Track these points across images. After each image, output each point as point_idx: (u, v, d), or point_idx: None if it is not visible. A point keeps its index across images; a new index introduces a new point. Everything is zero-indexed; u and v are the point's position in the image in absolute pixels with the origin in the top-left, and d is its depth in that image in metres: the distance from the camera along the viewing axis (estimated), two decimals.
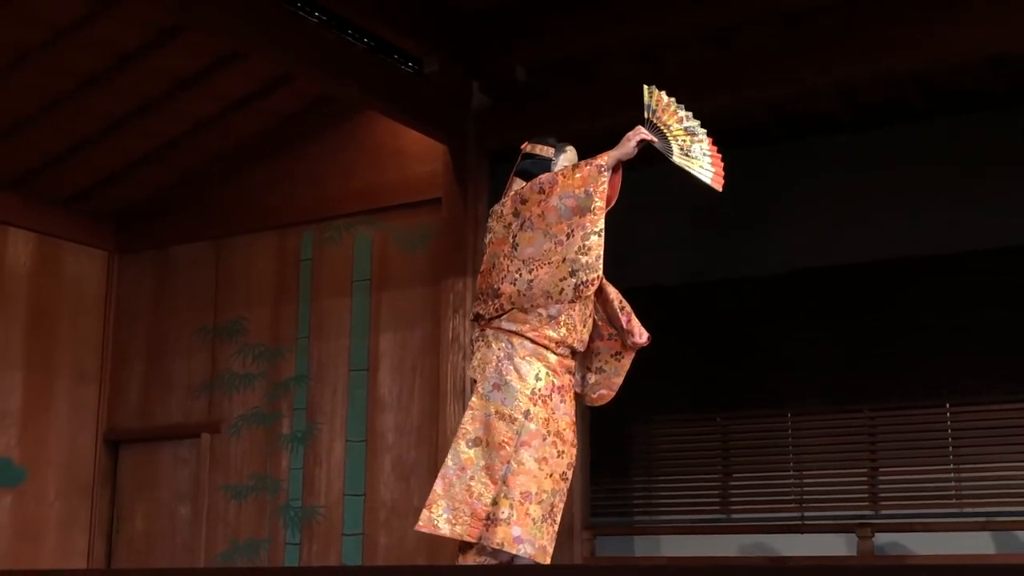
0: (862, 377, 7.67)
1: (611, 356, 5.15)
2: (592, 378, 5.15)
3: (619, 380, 5.18)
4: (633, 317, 5.09)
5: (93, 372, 9.03)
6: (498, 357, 4.87)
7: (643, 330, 5.09)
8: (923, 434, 7.56)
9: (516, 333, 4.87)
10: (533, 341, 4.85)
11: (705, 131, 4.92)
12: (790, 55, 6.81)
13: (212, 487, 8.52)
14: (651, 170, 7.97)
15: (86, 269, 9.09)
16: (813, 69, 6.76)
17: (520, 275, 4.83)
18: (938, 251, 7.41)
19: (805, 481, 7.78)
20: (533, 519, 4.71)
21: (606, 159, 4.84)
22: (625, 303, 5.12)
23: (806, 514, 7.69)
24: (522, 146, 5.17)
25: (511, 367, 4.84)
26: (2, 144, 8.12)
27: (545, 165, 5.02)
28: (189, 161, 8.74)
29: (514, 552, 4.70)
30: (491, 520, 4.71)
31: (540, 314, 4.84)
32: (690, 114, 4.92)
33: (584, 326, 4.97)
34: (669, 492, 8.19)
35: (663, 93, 4.92)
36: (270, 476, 8.32)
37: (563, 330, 4.88)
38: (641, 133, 4.86)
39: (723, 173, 4.90)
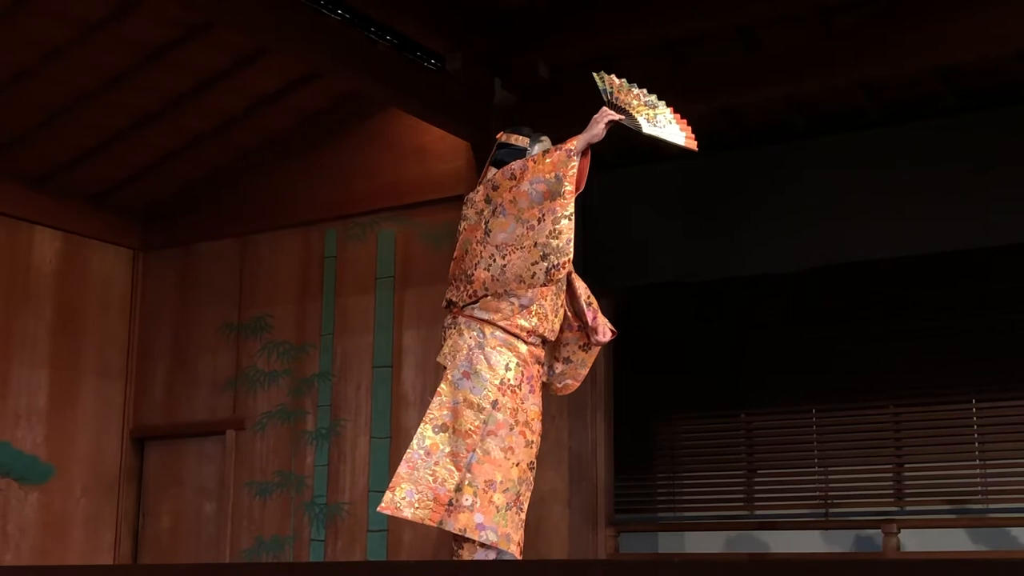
0: (887, 373, 7.65)
1: (579, 347, 5.16)
2: (559, 368, 5.17)
3: (585, 371, 5.21)
4: (599, 314, 5.11)
5: (119, 369, 9.08)
6: (469, 346, 4.89)
7: (607, 329, 5.10)
8: (949, 430, 7.54)
9: (488, 322, 4.89)
10: (504, 330, 4.88)
11: (664, 102, 4.93)
12: (815, 52, 6.80)
13: (237, 484, 8.55)
14: (673, 167, 8.02)
15: (112, 267, 9.13)
16: (838, 65, 6.74)
17: (494, 260, 4.85)
18: (964, 247, 7.38)
19: (830, 477, 7.77)
20: (497, 507, 4.75)
21: (575, 143, 4.85)
22: (593, 299, 5.14)
23: (831, 511, 7.68)
24: (497, 136, 5.19)
25: (481, 356, 4.86)
26: (28, 142, 8.16)
27: (519, 154, 5.04)
28: (213, 158, 8.77)
29: (476, 539, 4.74)
30: (453, 506, 4.75)
31: (512, 303, 4.87)
32: (644, 90, 4.93)
33: (555, 315, 5.00)
34: (693, 489, 8.18)
35: (613, 76, 4.93)
36: (295, 473, 8.34)
37: (535, 319, 4.91)
38: (608, 115, 4.88)
39: (693, 135, 4.91)
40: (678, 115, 4.93)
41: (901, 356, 7.61)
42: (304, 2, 6.74)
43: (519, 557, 4.83)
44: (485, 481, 4.75)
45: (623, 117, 4.88)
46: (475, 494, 4.74)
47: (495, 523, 4.74)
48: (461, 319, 4.97)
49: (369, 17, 7.09)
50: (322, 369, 8.40)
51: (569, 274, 5.10)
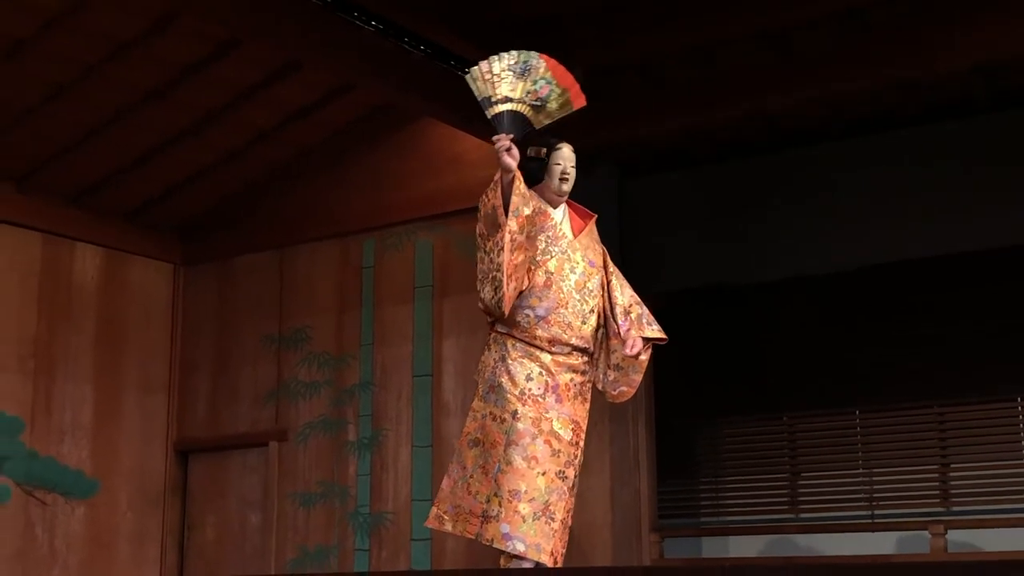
0: (930, 373, 7.59)
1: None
2: (611, 375, 5.16)
3: (638, 377, 5.17)
4: (635, 327, 5.06)
5: (161, 383, 9.14)
6: (494, 359, 5.02)
7: (636, 343, 5.04)
8: (994, 429, 7.47)
9: (509, 335, 4.99)
10: (526, 343, 4.96)
11: (535, 53, 4.77)
12: (848, 53, 6.76)
13: (281, 495, 8.59)
14: (709, 172, 7.99)
15: (152, 282, 9.20)
16: (869, 66, 6.70)
17: (483, 292, 4.98)
18: (1006, 245, 7.31)
19: (875, 479, 7.71)
20: (523, 516, 4.80)
21: (497, 175, 4.90)
22: (635, 308, 5.08)
23: (876, 512, 7.62)
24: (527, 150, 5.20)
25: (503, 369, 4.96)
26: (68, 159, 8.24)
27: (540, 166, 5.11)
28: (251, 172, 8.82)
29: (503, 549, 4.83)
30: (485, 517, 4.86)
31: (528, 315, 4.96)
32: (512, 57, 4.78)
33: (584, 322, 5.00)
34: (737, 493, 8.14)
35: (479, 67, 4.78)
36: (338, 483, 8.37)
37: (555, 329, 4.94)
38: (500, 145, 4.82)
39: (577, 85, 4.78)
40: (553, 62, 4.79)
41: (944, 356, 7.54)
42: (337, 14, 6.77)
43: (551, 567, 4.84)
44: (509, 491, 4.82)
45: (512, 135, 4.79)
46: (500, 504, 4.83)
47: (522, 533, 4.78)
48: (492, 335, 5.10)
49: (402, 27, 7.11)
50: (363, 379, 8.42)
51: (609, 283, 5.10)
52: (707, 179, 8.02)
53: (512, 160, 4.83)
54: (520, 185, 4.86)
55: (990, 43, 6.44)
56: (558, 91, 4.83)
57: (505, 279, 4.80)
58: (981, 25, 6.39)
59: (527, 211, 4.89)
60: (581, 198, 5.43)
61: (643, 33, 7.06)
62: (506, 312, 4.87)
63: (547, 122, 4.86)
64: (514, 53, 4.77)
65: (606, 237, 5.54)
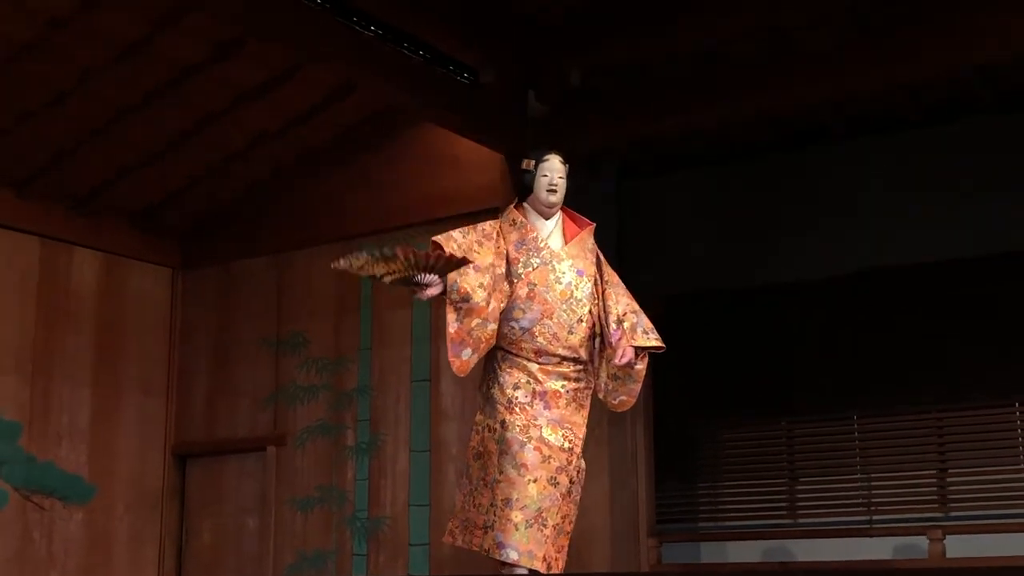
0: (929, 378, 7.60)
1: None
2: (610, 384, 5.17)
3: (636, 387, 5.16)
4: (626, 335, 5.01)
5: (159, 387, 9.13)
6: (488, 373, 5.10)
7: (627, 353, 4.99)
8: (992, 434, 7.48)
9: (499, 347, 5.06)
10: (513, 354, 5.02)
11: (390, 244, 4.83)
12: (850, 54, 6.77)
13: (279, 500, 8.58)
14: (711, 174, 8.00)
15: (151, 286, 9.20)
16: (874, 67, 6.71)
17: None
18: (1006, 250, 7.32)
19: (873, 484, 7.71)
20: (515, 524, 4.84)
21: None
22: (628, 318, 5.05)
23: (875, 518, 7.63)
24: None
25: (495, 380, 5.05)
26: (67, 163, 8.23)
27: (529, 179, 5.13)
28: (249, 176, 8.82)
29: (497, 558, 4.87)
30: (485, 528, 4.94)
31: (513, 327, 5.02)
32: (373, 250, 4.78)
33: (571, 332, 5.02)
34: (735, 497, 8.15)
35: (340, 265, 4.78)
36: (336, 487, 8.36)
37: (540, 340, 4.99)
38: (419, 297, 4.92)
39: (444, 252, 4.85)
40: (409, 248, 4.82)
41: (943, 360, 7.55)
42: (338, 18, 6.78)
43: (544, 572, 4.87)
44: (502, 500, 4.88)
45: (420, 287, 4.85)
46: (495, 513, 4.89)
47: (515, 541, 4.82)
48: (489, 347, 5.10)
49: (402, 32, 7.12)
50: (361, 383, 8.42)
51: (603, 292, 5.10)
52: (707, 181, 8.04)
53: (435, 289, 4.90)
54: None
55: (993, 43, 6.44)
56: (429, 257, 4.85)
57: (450, 346, 4.93)
58: (983, 25, 6.39)
59: (471, 280, 4.92)
60: (581, 201, 5.43)
61: (643, 33, 7.07)
62: (460, 375, 5.01)
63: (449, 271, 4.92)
64: (370, 248, 4.80)
65: (605, 239, 5.54)
